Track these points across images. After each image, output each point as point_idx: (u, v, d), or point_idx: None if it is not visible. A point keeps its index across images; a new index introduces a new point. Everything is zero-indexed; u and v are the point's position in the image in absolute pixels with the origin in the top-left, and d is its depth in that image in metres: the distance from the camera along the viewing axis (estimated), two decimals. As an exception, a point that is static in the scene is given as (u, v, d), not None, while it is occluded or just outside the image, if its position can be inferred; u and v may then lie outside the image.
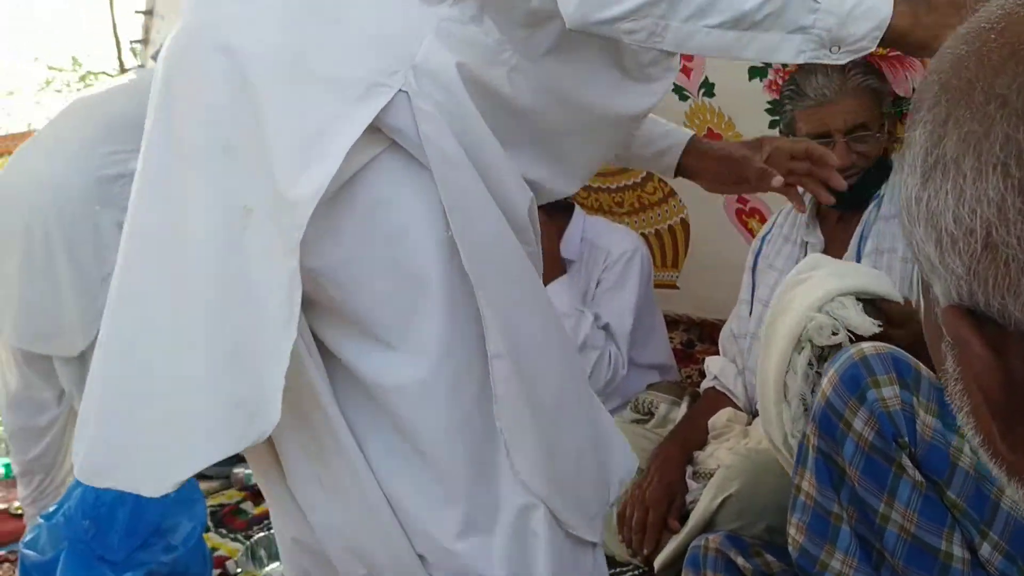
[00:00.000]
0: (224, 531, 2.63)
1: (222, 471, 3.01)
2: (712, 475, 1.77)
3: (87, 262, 2.57)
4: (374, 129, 0.93)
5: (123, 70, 6.94)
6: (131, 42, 7.10)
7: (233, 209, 0.93)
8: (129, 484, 0.99)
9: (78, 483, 2.25)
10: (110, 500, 2.10)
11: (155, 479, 0.96)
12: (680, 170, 1.46)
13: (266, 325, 0.91)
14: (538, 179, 1.07)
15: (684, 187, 2.30)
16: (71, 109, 2.92)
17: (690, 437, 1.95)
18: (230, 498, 2.80)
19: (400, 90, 0.92)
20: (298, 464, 1.04)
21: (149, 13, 6.76)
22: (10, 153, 6.58)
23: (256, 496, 2.94)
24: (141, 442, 0.97)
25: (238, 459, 3.13)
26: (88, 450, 1.01)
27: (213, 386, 0.93)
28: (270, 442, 1.03)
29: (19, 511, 3.05)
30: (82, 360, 2.65)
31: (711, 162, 1.43)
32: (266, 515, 2.74)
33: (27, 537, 2.22)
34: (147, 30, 6.95)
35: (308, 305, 0.96)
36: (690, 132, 1.47)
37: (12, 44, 28.77)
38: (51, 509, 2.30)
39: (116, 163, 2.64)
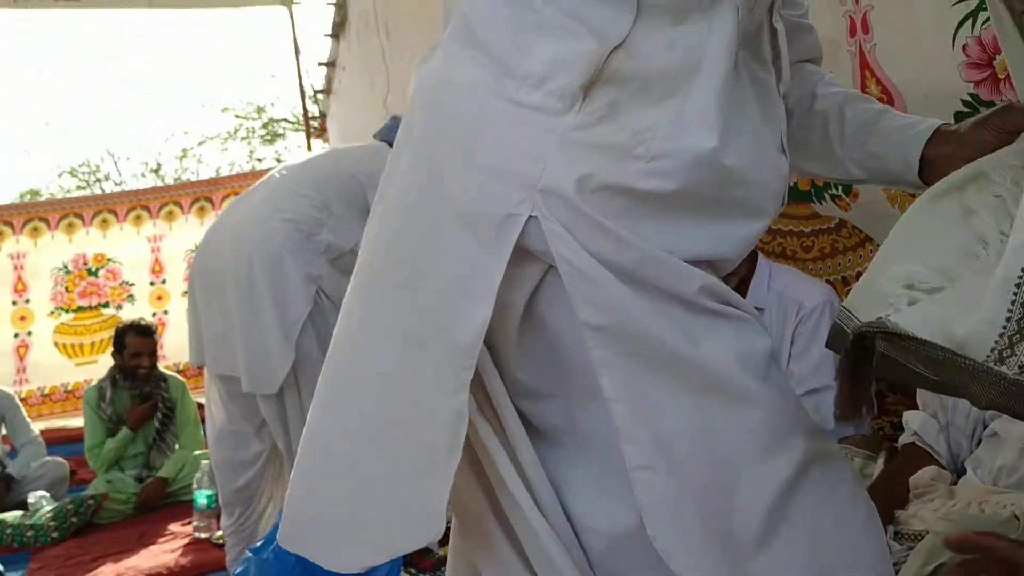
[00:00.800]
0: (413, 570, 2.72)
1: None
2: (917, 537, 1.70)
3: (281, 306, 2.76)
4: (530, 256, 0.96)
5: (306, 118, 7.31)
6: (315, 91, 7.48)
7: (411, 340, 1.01)
8: (317, 557, 1.07)
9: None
10: (315, 538, 2.21)
11: (340, 559, 1.06)
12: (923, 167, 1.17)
13: (434, 451, 0.98)
14: (703, 254, 1.00)
15: (881, 233, 2.24)
16: (290, 166, 3.16)
17: (891, 495, 1.89)
18: (416, 537, 2.89)
19: (531, 216, 0.94)
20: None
21: (332, 65, 7.13)
22: (206, 197, 7.03)
23: (443, 537, 3.02)
24: (334, 522, 1.07)
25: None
26: (290, 515, 1.12)
27: (392, 493, 1.01)
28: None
29: (220, 540, 3.24)
30: (280, 397, 2.82)
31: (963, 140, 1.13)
32: (452, 555, 2.83)
33: (237, 569, 2.37)
34: (329, 81, 7.32)
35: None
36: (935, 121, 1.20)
37: (201, 95, 30.82)
38: (259, 543, 2.45)
39: (311, 221, 2.84)
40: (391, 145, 3.54)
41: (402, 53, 5.06)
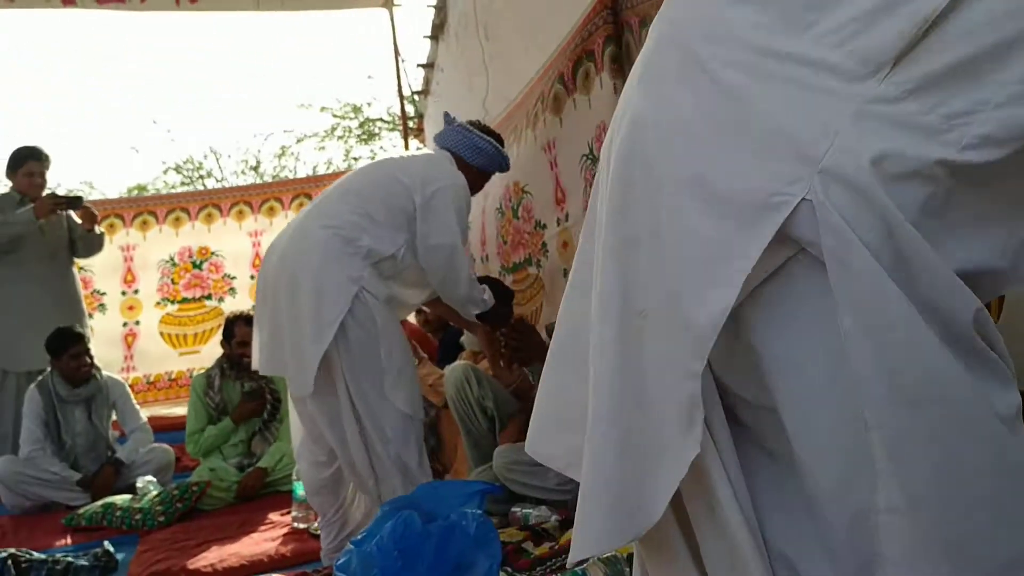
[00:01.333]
0: (510, 569, 2.73)
1: (500, 509, 3.13)
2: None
3: (322, 307, 2.83)
4: (782, 236, 0.84)
5: (404, 119, 7.40)
6: (412, 92, 7.56)
7: (631, 305, 0.93)
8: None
9: (386, 516, 2.43)
10: (417, 534, 2.24)
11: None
12: None
13: (662, 431, 0.90)
14: (997, 267, 0.84)
15: None
16: (357, 171, 3.24)
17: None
18: (511, 537, 2.90)
19: (803, 199, 0.81)
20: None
21: (430, 66, 7.19)
22: (305, 194, 7.17)
23: (536, 537, 3.03)
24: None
25: (517, 498, 3.26)
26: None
27: (604, 475, 0.94)
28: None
29: (318, 532, 3.31)
30: (325, 397, 2.89)
31: None
32: (548, 556, 2.83)
33: (339, 560, 2.42)
34: (427, 82, 7.39)
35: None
36: None
37: (300, 95, 31.50)
38: (361, 536, 2.49)
39: (350, 227, 2.91)
40: (451, 152, 3.54)
41: (502, 55, 5.08)
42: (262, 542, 3.40)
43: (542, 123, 4.55)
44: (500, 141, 3.40)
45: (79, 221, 5.22)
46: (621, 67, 3.57)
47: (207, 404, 4.52)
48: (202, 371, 4.77)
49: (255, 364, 3.07)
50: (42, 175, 5.02)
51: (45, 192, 5.09)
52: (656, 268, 0.90)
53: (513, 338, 3.30)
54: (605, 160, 1.03)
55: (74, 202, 4.91)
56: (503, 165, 3.40)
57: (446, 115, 3.44)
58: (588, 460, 0.95)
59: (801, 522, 0.90)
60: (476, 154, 3.26)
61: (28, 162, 4.94)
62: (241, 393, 4.57)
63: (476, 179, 3.30)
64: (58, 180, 16.50)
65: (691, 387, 0.86)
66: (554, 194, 4.51)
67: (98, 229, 5.28)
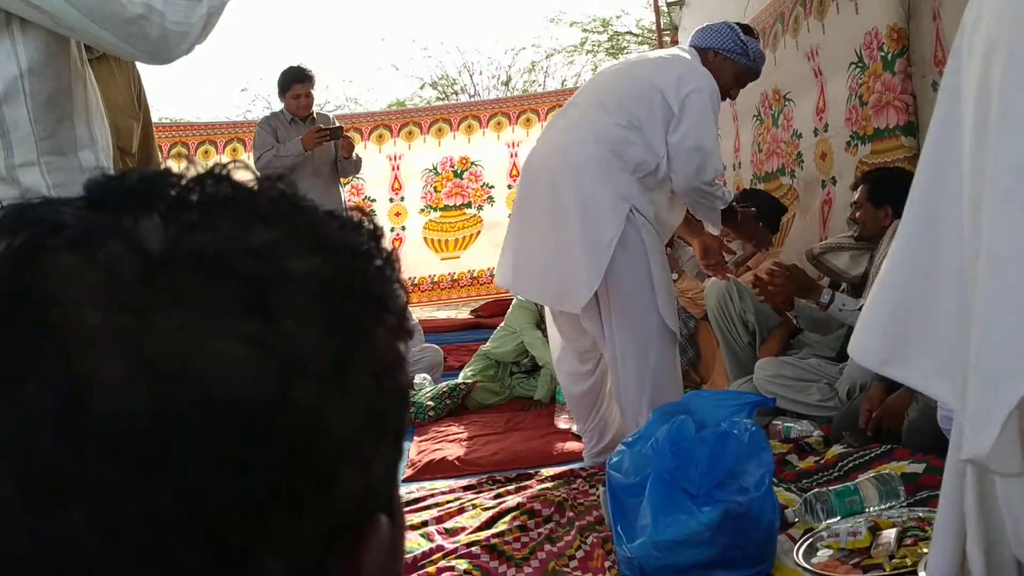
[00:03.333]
0: (775, 480, 2.69)
1: (760, 421, 3.07)
2: None
3: (593, 226, 2.80)
4: None
5: (659, 30, 7.22)
6: (667, 3, 7.35)
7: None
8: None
9: (659, 420, 2.45)
10: (691, 439, 2.24)
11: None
12: None
13: None
14: None
15: None
16: (598, 79, 3.17)
17: None
18: (774, 448, 2.85)
19: None
20: None
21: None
22: (559, 106, 7.22)
23: (800, 451, 2.97)
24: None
25: (777, 412, 3.19)
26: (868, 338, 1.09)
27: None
28: None
29: (579, 433, 3.39)
30: (596, 311, 2.90)
31: None
32: (813, 470, 2.76)
33: (613, 459, 2.47)
34: (684, -7, 7.16)
35: None
36: None
37: (550, 9, 31.53)
38: (630, 438, 2.53)
39: (620, 142, 2.84)
40: (699, 50, 3.35)
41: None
42: (529, 439, 3.53)
43: (804, 29, 4.32)
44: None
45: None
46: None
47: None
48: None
49: (497, 279, 3.15)
50: (308, 95, 5.22)
51: (314, 109, 5.34)
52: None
53: (775, 282, 3.09)
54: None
55: (336, 132, 5.16)
56: (760, 72, 3.22)
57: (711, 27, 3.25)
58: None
59: None
60: (742, 55, 3.09)
61: (294, 85, 5.16)
62: None
63: (731, 83, 3.13)
64: (327, 98, 17.54)
65: None
66: (816, 103, 4.29)
67: (355, 155, 5.55)
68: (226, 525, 0.32)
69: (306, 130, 4.99)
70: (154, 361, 0.32)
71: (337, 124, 5.31)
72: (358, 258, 0.40)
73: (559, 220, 2.85)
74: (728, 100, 3.21)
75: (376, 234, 0.42)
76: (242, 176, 0.39)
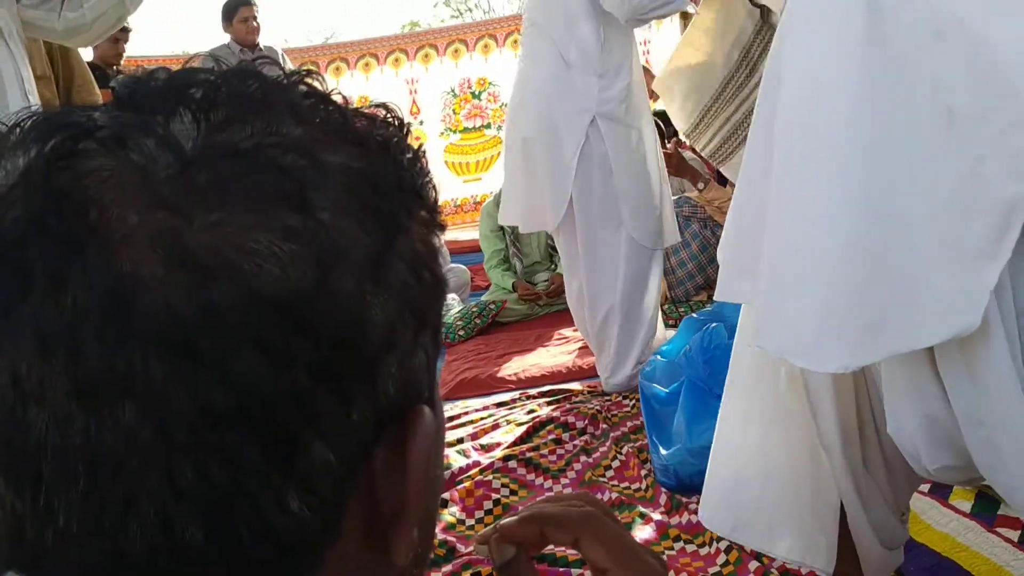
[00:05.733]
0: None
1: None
2: None
3: (559, 151, 2.79)
4: None
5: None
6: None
7: (938, 101, 0.86)
8: (798, 358, 0.98)
9: (691, 328, 2.45)
10: (724, 346, 2.24)
11: (824, 359, 0.94)
12: None
13: (974, 234, 0.85)
14: None
15: None
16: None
17: None
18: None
19: None
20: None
21: None
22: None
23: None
24: (818, 321, 0.95)
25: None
26: (761, 323, 1.03)
27: (905, 283, 0.89)
28: None
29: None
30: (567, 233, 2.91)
31: None
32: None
33: (646, 369, 2.48)
34: None
35: None
36: None
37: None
38: (664, 348, 2.54)
39: (563, 44, 2.76)
40: None
41: None
42: (558, 355, 3.55)
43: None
44: None
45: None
46: None
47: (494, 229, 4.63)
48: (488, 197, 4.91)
49: (501, 216, 3.15)
50: (255, 18, 4.85)
51: (259, 41, 4.90)
52: (967, 60, 0.85)
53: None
54: None
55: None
56: None
57: None
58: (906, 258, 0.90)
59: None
60: None
61: (240, 8, 4.83)
62: None
63: None
64: (333, 29, 17.25)
65: (1016, 188, 0.82)
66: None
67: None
68: (273, 415, 0.33)
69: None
70: (195, 257, 0.32)
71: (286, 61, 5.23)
72: (389, 151, 0.40)
73: (528, 145, 2.85)
74: None
75: (404, 129, 0.42)
76: (270, 71, 0.39)
